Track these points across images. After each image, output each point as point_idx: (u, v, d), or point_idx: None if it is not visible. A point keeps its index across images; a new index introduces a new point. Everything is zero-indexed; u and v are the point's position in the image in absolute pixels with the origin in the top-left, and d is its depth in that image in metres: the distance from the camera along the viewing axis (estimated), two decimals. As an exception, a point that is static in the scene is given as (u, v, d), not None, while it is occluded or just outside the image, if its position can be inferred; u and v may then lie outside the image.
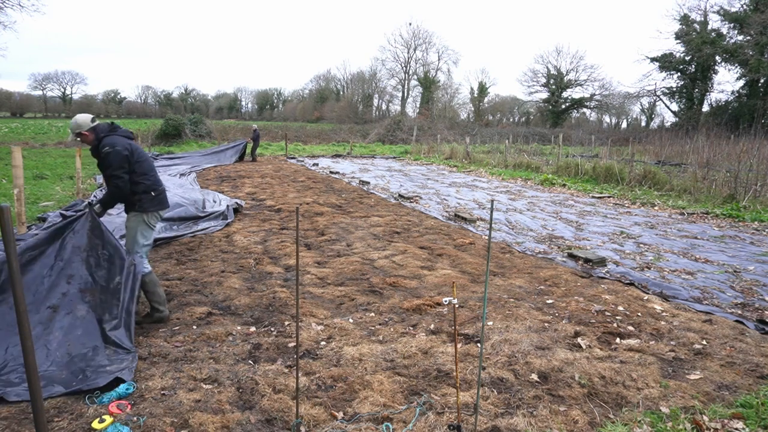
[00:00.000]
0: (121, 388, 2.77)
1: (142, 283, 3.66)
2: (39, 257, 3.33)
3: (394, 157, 25.61)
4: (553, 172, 16.68)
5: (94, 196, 8.70)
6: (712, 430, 2.52)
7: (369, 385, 2.91)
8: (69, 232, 3.45)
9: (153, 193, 3.78)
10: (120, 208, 6.74)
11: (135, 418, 2.48)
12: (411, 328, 3.83)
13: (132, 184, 3.67)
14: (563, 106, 55.98)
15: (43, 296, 3.24)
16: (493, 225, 7.96)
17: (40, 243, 3.36)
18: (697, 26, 41.92)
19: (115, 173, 3.54)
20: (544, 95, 56.88)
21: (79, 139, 3.64)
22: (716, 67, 41.46)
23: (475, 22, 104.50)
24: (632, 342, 3.61)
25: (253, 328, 3.78)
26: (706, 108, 42.45)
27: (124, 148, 3.59)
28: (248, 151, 19.95)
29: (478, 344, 3.47)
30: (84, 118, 3.62)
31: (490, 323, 3.88)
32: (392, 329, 3.79)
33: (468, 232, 7.50)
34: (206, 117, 43.51)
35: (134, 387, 2.81)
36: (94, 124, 3.65)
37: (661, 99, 48.04)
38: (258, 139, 20.49)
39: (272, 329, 3.75)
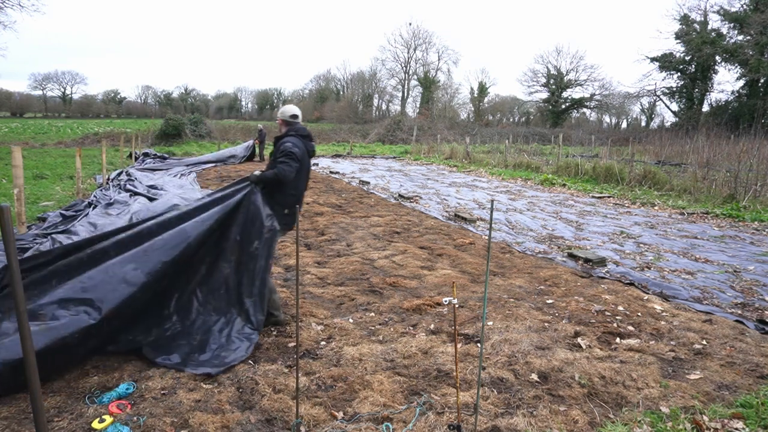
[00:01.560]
0: (121, 388, 2.77)
1: None
2: (208, 213, 3.64)
3: (394, 157, 25.62)
4: (553, 172, 16.68)
5: (94, 196, 8.70)
6: (712, 430, 2.52)
7: (369, 385, 2.91)
8: (234, 196, 3.71)
9: (286, 210, 3.85)
10: (119, 209, 6.74)
11: (135, 418, 2.48)
12: (411, 328, 3.83)
13: (278, 192, 3.78)
14: (563, 106, 55.98)
15: (210, 249, 3.60)
16: (493, 225, 7.96)
17: (212, 202, 3.70)
18: (697, 26, 41.92)
19: (285, 161, 3.69)
20: (544, 95, 56.90)
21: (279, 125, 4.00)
22: (716, 67, 41.47)
23: (475, 22, 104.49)
24: (632, 342, 3.61)
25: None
26: (706, 108, 42.47)
27: (299, 152, 3.78)
28: (256, 151, 19.68)
29: (478, 344, 3.47)
30: (289, 109, 3.98)
31: (490, 323, 3.88)
32: (392, 329, 3.79)
33: (468, 232, 7.50)
34: (206, 117, 43.61)
35: (134, 387, 2.81)
36: (295, 120, 3.96)
37: (661, 99, 48.06)
38: (264, 140, 20.16)
39: (272, 329, 3.75)
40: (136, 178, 11.04)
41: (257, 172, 3.77)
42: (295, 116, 3.95)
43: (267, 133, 21.01)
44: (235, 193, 3.73)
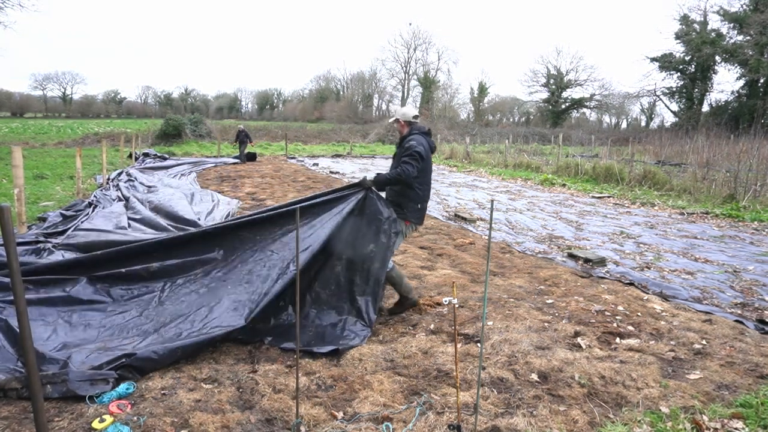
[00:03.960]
0: (121, 388, 2.77)
1: (389, 278, 3.91)
2: (324, 213, 3.87)
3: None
4: (553, 172, 16.68)
5: (95, 196, 8.70)
6: (711, 429, 2.52)
7: (369, 384, 2.91)
8: (350, 198, 3.88)
9: (419, 206, 3.96)
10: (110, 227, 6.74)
11: (135, 418, 2.48)
12: (411, 328, 3.83)
13: (409, 188, 3.86)
14: (563, 106, 56.01)
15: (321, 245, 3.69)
16: (493, 225, 7.96)
17: (328, 201, 3.90)
18: (696, 26, 41.95)
19: (408, 162, 3.75)
20: (544, 95, 56.95)
21: (395, 125, 4.07)
22: (716, 67, 41.51)
23: (475, 23, 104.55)
24: (632, 342, 3.61)
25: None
26: (706, 108, 42.50)
27: (424, 150, 3.84)
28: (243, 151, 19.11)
29: (478, 344, 3.48)
30: (410, 111, 4.04)
31: (490, 323, 3.88)
32: (392, 329, 3.79)
33: (468, 232, 7.51)
34: (206, 117, 43.58)
35: (134, 387, 2.81)
36: (416, 120, 4.04)
37: (661, 99, 48.10)
38: (245, 140, 19.11)
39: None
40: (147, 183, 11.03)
41: (371, 176, 3.88)
42: (416, 116, 4.05)
43: (249, 133, 19.56)
44: (350, 196, 3.89)
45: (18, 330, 2.96)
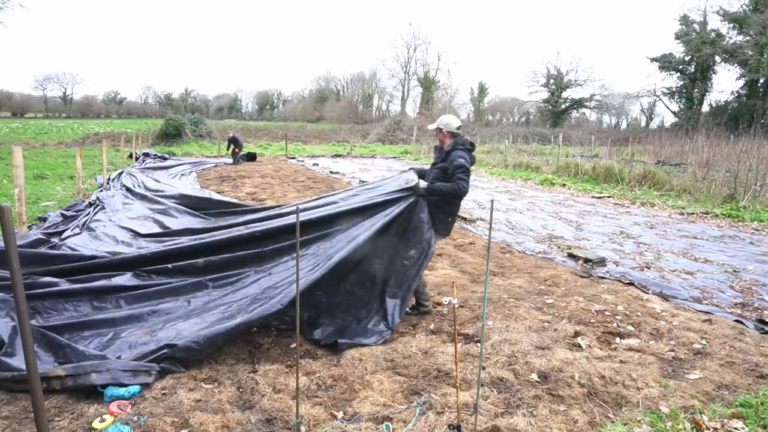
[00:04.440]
0: (131, 389, 2.77)
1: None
2: (370, 214, 3.97)
3: (395, 157, 25.63)
4: (553, 172, 16.69)
5: (97, 197, 8.70)
6: (711, 429, 2.52)
7: (369, 384, 2.91)
8: (400, 204, 3.93)
9: (450, 219, 4.04)
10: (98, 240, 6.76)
11: (135, 418, 2.48)
12: (411, 328, 3.83)
13: (446, 202, 3.92)
14: (563, 106, 56.01)
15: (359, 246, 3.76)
16: (493, 225, 7.96)
17: (380, 203, 3.99)
18: (696, 26, 41.96)
19: (462, 177, 3.80)
20: (544, 95, 56.96)
21: (437, 134, 4.07)
22: (716, 67, 41.50)
23: (475, 23, 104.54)
24: (632, 342, 3.61)
25: (253, 328, 3.77)
26: (705, 108, 42.49)
27: (469, 165, 3.91)
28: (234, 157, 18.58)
29: (478, 344, 3.48)
30: (454, 121, 4.02)
31: (490, 323, 3.88)
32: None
33: (468, 232, 7.51)
34: (206, 117, 43.55)
35: (139, 387, 2.81)
36: (459, 131, 4.03)
37: (660, 99, 48.13)
38: (239, 146, 18.59)
39: (272, 329, 3.75)
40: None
41: (424, 183, 3.90)
42: (459, 128, 4.03)
43: (238, 138, 18.72)
44: (401, 200, 3.94)
45: (55, 335, 3.12)
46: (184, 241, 4.85)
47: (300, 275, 3.60)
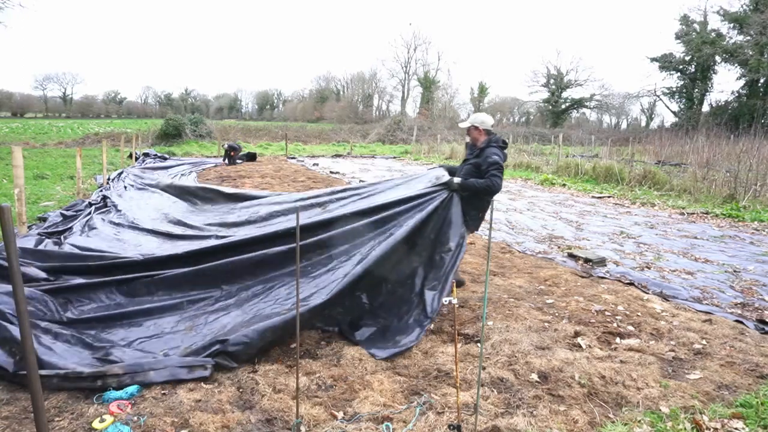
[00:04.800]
0: (131, 389, 2.76)
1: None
2: (411, 208, 4.06)
3: (395, 157, 25.63)
4: (553, 172, 16.68)
5: (100, 197, 8.70)
6: (711, 429, 2.52)
7: (369, 384, 2.91)
8: (434, 200, 4.06)
9: (480, 215, 4.22)
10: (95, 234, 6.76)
11: (135, 418, 2.48)
12: (411, 328, 3.83)
13: (478, 198, 4.09)
14: (563, 106, 56.00)
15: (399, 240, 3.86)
16: (493, 225, 7.96)
17: (413, 197, 4.10)
18: (696, 26, 41.95)
19: (496, 174, 3.95)
20: (544, 95, 56.96)
21: (469, 132, 4.20)
22: (716, 67, 41.48)
23: (475, 23, 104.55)
24: (632, 342, 3.61)
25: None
26: (706, 108, 42.46)
27: (502, 162, 4.05)
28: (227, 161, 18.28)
29: (478, 344, 3.48)
30: (488, 119, 4.19)
31: (490, 323, 3.88)
32: (392, 329, 3.79)
33: (468, 232, 7.50)
34: (206, 117, 43.54)
35: (138, 388, 2.81)
36: (492, 129, 4.18)
37: (661, 99, 48.12)
38: (236, 151, 18.42)
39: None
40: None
41: (458, 179, 4.03)
42: (493, 125, 4.20)
43: (234, 146, 18.48)
44: (435, 195, 4.07)
45: (90, 339, 3.17)
46: (223, 237, 4.85)
47: (340, 271, 3.78)
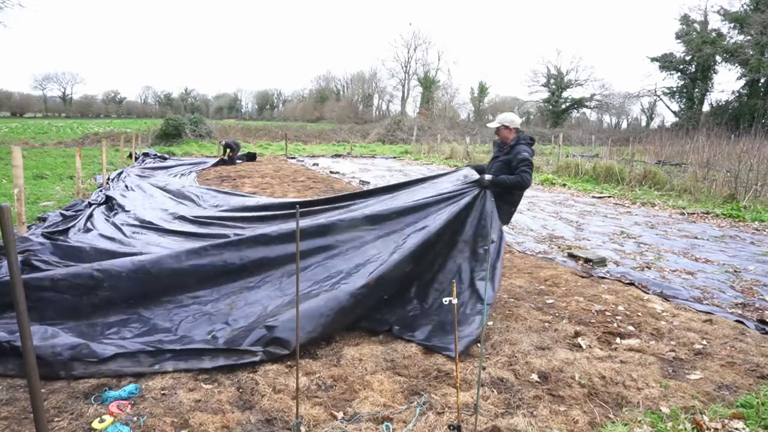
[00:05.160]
0: (129, 389, 2.76)
1: None
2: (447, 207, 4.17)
3: (394, 157, 25.62)
4: (554, 171, 16.68)
5: (102, 195, 8.69)
6: (712, 430, 2.51)
7: (369, 385, 2.91)
8: (466, 196, 4.19)
9: (512, 209, 4.39)
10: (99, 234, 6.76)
11: (135, 418, 2.48)
12: (411, 328, 3.82)
13: (509, 193, 4.24)
14: (563, 106, 56.00)
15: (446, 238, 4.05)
16: (493, 225, 7.94)
17: (448, 197, 4.23)
18: (697, 26, 41.95)
19: (526, 170, 4.09)
20: (545, 95, 56.97)
21: (498, 131, 4.35)
22: (716, 67, 41.48)
23: (475, 23, 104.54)
24: (632, 342, 3.61)
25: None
26: (706, 108, 42.46)
27: (531, 158, 4.18)
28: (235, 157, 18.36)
29: (478, 344, 3.47)
30: (516, 118, 4.37)
31: (490, 323, 3.88)
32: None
33: (468, 232, 7.49)
34: (206, 117, 43.52)
35: (139, 390, 2.81)
36: (520, 127, 4.36)
37: (661, 99, 48.12)
38: (234, 148, 18.45)
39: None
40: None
41: (488, 176, 4.16)
42: (521, 124, 4.42)
43: (230, 144, 18.91)
44: (466, 193, 4.21)
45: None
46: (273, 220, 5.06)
47: (379, 260, 3.88)
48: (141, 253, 4.27)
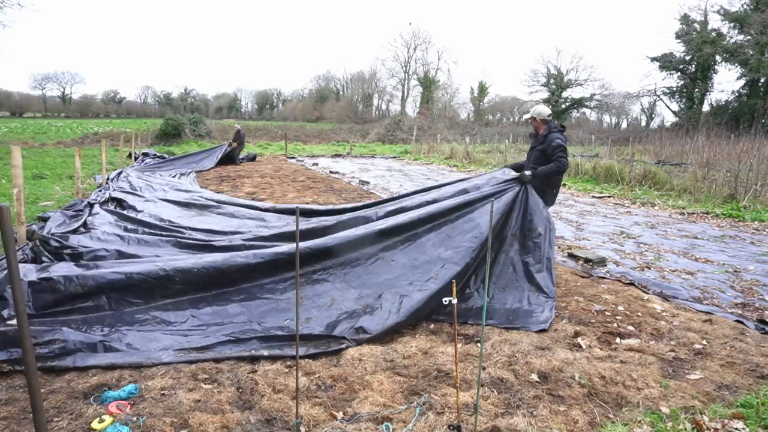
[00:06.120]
0: (128, 388, 2.76)
1: None
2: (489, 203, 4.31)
3: (394, 157, 25.61)
4: (553, 171, 16.63)
5: (103, 195, 8.69)
6: (712, 430, 2.51)
7: (369, 385, 2.91)
8: (507, 192, 4.49)
9: (555, 191, 4.83)
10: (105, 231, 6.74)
11: (135, 418, 2.48)
12: (411, 328, 3.82)
13: (549, 179, 4.62)
14: (563, 106, 55.96)
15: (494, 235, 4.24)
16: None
17: (491, 194, 4.49)
18: (697, 26, 41.94)
19: (562, 155, 4.50)
20: (545, 95, 56.87)
21: (531, 123, 4.88)
22: (716, 67, 41.46)
23: (475, 22, 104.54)
24: (632, 342, 3.61)
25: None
26: (706, 108, 42.45)
27: (565, 143, 4.60)
28: (235, 154, 18.02)
29: (478, 344, 3.47)
30: (545, 110, 4.86)
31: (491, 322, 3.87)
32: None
33: (468, 232, 7.49)
34: (206, 117, 43.48)
35: (138, 390, 2.81)
36: (550, 118, 4.85)
37: (661, 99, 48.09)
38: (243, 142, 18.66)
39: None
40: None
41: (529, 172, 4.50)
42: (550, 115, 4.88)
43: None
44: (507, 189, 4.51)
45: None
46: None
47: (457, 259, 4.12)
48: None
